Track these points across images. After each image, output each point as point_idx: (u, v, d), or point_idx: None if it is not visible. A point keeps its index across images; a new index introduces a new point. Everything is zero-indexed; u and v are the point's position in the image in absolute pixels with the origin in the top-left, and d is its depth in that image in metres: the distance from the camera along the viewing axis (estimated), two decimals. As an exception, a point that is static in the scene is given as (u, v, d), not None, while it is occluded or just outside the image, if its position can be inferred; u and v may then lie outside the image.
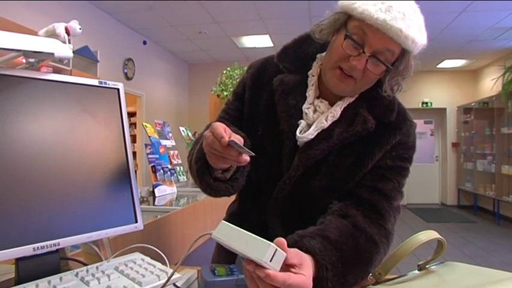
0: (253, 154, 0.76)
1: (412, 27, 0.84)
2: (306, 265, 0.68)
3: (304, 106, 0.95)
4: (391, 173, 0.94)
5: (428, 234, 0.71)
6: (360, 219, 0.87)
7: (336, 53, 0.89)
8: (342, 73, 0.88)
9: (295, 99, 0.96)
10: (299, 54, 1.01)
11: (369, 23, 0.82)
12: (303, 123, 0.95)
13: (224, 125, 0.77)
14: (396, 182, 0.94)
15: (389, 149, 0.94)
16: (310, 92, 0.96)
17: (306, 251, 0.74)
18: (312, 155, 0.92)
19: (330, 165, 0.94)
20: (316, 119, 0.94)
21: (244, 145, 0.77)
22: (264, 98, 1.02)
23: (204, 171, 0.92)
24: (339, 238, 0.81)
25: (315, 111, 0.95)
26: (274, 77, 1.01)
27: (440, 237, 0.72)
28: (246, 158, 0.77)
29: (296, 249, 0.70)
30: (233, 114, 1.07)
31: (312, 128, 0.93)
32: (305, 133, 0.93)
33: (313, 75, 0.98)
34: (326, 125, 0.93)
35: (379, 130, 0.93)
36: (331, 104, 0.96)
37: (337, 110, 0.94)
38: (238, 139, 0.76)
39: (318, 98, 0.97)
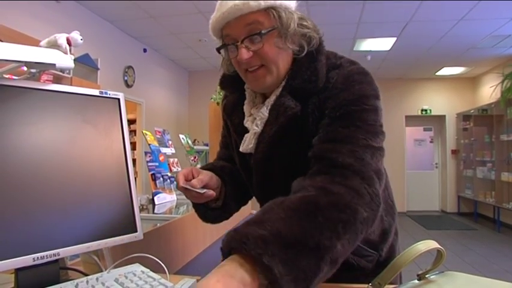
0: (205, 191, 0.95)
1: None
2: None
3: (244, 121, 1.01)
4: (331, 125, 0.84)
5: (428, 244, 0.71)
6: (319, 179, 0.76)
7: (235, 64, 0.95)
8: (251, 72, 0.92)
9: (237, 117, 1.04)
10: (234, 77, 1.03)
11: (220, 26, 0.91)
12: (247, 137, 0.99)
13: (190, 169, 0.97)
14: (340, 128, 0.82)
15: (319, 113, 0.88)
16: (246, 106, 1.02)
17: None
18: (257, 160, 0.98)
19: (277, 158, 0.96)
20: None
21: (211, 183, 1.00)
22: (226, 118, 1.12)
23: (200, 206, 1.08)
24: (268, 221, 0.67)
25: (254, 120, 0.98)
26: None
27: (439, 247, 0.72)
28: (208, 194, 0.96)
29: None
30: (224, 141, 1.22)
31: (248, 137, 0.98)
32: (246, 146, 0.99)
33: (248, 88, 1.03)
34: (258, 129, 0.96)
35: (307, 106, 0.90)
36: None
37: (263, 111, 0.96)
38: (200, 179, 0.96)
39: (255, 106, 1.01)
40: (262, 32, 0.86)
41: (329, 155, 0.79)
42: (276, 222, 0.65)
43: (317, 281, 0.64)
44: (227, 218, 1.13)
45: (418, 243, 0.71)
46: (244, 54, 0.88)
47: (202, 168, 1.10)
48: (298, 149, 0.90)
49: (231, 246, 0.64)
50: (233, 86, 1.07)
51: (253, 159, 1.00)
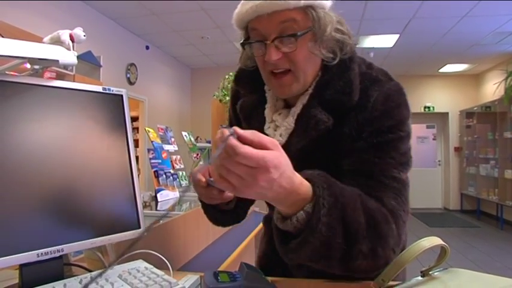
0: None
1: None
2: (279, 151, 0.61)
3: (265, 127, 0.92)
4: (368, 153, 0.81)
5: (432, 241, 0.71)
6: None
7: (259, 63, 0.87)
8: (276, 75, 0.84)
9: (257, 121, 0.94)
10: (252, 73, 0.95)
11: (248, 19, 0.81)
12: None
13: (207, 166, 0.82)
14: (377, 159, 0.80)
15: (356, 133, 0.83)
16: (267, 110, 0.94)
17: (304, 177, 0.69)
18: None
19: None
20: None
21: None
22: (242, 121, 1.02)
23: (210, 207, 0.97)
24: (343, 186, 0.74)
25: (276, 127, 0.91)
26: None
27: (443, 243, 0.72)
28: (228, 194, 0.83)
29: (273, 140, 0.63)
30: None
31: None
32: None
33: (269, 90, 0.95)
34: (282, 140, 0.88)
35: (340, 120, 0.84)
36: None
37: (289, 121, 0.88)
38: None
39: (278, 111, 0.93)
40: (298, 33, 0.78)
41: (366, 189, 0.78)
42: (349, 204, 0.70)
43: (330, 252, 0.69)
44: (239, 222, 1.06)
45: (422, 239, 0.71)
46: (274, 54, 0.79)
47: None
48: (325, 164, 0.82)
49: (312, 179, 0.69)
50: (251, 84, 0.97)
51: None
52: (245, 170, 0.57)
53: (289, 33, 0.78)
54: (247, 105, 0.98)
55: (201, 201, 0.97)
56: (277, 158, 0.59)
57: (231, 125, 1.09)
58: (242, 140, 0.57)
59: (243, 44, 0.87)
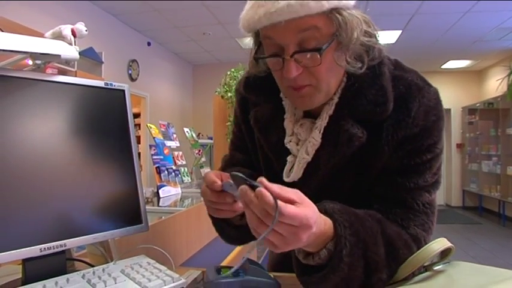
0: (258, 185, 0.59)
1: None
2: (308, 202, 0.60)
3: (285, 141, 0.82)
4: (403, 176, 0.76)
5: (442, 243, 0.71)
6: (384, 218, 0.75)
7: (275, 76, 0.77)
8: (294, 89, 0.74)
9: (275, 135, 0.84)
10: (263, 80, 0.84)
11: (260, 26, 0.68)
12: (290, 161, 0.82)
13: (219, 172, 0.74)
14: (412, 184, 0.75)
15: (394, 149, 0.75)
16: (287, 122, 0.83)
17: (324, 212, 0.67)
18: (306, 193, 0.80)
19: (329, 192, 0.77)
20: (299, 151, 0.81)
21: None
22: (255, 133, 0.91)
23: (222, 223, 0.88)
24: (363, 214, 0.71)
25: (298, 141, 0.81)
26: (252, 107, 0.90)
27: (451, 245, 0.72)
28: (240, 206, 0.71)
29: (295, 189, 0.60)
30: (239, 145, 1.00)
31: (295, 166, 0.80)
32: (291, 175, 0.81)
33: (286, 97, 0.85)
34: (309, 158, 0.79)
35: (374, 133, 0.76)
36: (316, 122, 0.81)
37: (315, 136, 0.78)
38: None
39: (298, 121, 0.82)
40: (323, 47, 0.67)
41: (394, 217, 0.76)
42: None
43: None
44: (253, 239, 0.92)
45: (432, 242, 0.72)
46: (294, 71, 0.68)
47: (223, 169, 0.92)
48: (355, 182, 0.80)
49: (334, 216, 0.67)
50: (264, 92, 0.87)
51: (301, 189, 0.80)
52: (288, 229, 0.57)
53: (311, 47, 0.67)
54: (262, 116, 0.86)
55: (211, 217, 0.88)
56: (315, 212, 0.60)
57: (241, 135, 0.98)
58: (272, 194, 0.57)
59: (256, 58, 0.76)
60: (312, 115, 0.82)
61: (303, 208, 0.58)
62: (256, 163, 0.96)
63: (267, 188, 0.57)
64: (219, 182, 0.70)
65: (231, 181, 0.66)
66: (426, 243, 0.75)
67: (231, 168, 0.93)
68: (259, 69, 0.81)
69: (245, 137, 0.97)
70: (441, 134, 0.77)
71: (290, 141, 0.82)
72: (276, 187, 0.58)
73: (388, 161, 0.76)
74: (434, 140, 0.76)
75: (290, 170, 0.82)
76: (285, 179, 0.82)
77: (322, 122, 0.78)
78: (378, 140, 0.75)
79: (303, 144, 0.80)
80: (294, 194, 0.59)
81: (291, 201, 0.57)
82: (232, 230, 0.88)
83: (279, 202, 0.56)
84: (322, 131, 0.78)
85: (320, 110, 0.79)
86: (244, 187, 0.59)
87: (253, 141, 0.94)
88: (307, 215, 0.57)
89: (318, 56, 0.67)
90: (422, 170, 0.76)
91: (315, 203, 0.74)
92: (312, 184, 0.80)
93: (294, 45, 0.68)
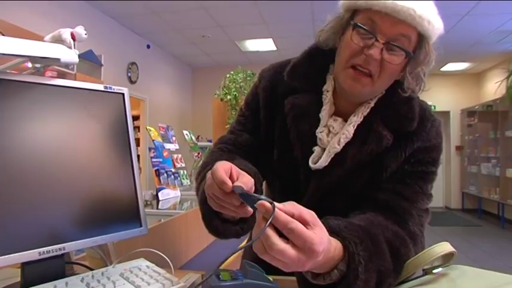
0: (258, 202, 0.58)
1: (426, 6, 0.77)
2: (321, 228, 0.59)
3: (318, 130, 0.88)
4: (411, 179, 0.87)
5: (444, 247, 0.72)
6: (381, 219, 0.80)
7: (346, 50, 0.81)
8: (356, 71, 0.80)
9: (308, 123, 0.90)
10: (310, 69, 0.92)
11: (376, 9, 0.76)
12: (317, 150, 0.88)
13: (230, 165, 0.69)
14: (417, 187, 0.86)
15: (408, 156, 0.87)
16: (324, 113, 0.89)
17: (330, 230, 0.66)
18: (326, 182, 0.88)
19: (345, 185, 0.89)
20: (330, 142, 0.87)
21: (255, 186, 0.69)
22: (278, 119, 0.95)
23: (211, 213, 0.82)
24: (365, 224, 0.74)
25: (328, 132, 0.88)
26: (286, 95, 0.93)
27: (454, 250, 0.73)
28: (248, 210, 0.69)
29: (311, 211, 0.59)
30: (250, 126, 1.00)
31: (325, 154, 0.87)
32: (318, 161, 0.87)
33: (327, 91, 0.90)
34: (339, 148, 0.86)
35: (395, 141, 0.86)
36: (346, 120, 0.88)
37: (349, 130, 0.86)
38: (246, 182, 0.66)
39: (331, 116, 0.90)
40: (412, 53, 0.80)
41: (406, 216, 0.84)
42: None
43: None
44: (239, 237, 0.88)
45: (434, 245, 0.72)
46: (378, 54, 0.77)
47: (227, 160, 0.81)
48: (369, 180, 0.88)
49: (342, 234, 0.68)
50: (306, 82, 0.92)
51: (317, 179, 0.89)
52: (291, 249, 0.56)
53: (403, 46, 0.78)
54: (301, 104, 0.91)
55: (201, 207, 0.85)
56: (323, 239, 0.58)
57: (253, 117, 1.00)
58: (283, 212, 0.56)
59: (354, 26, 0.80)
60: (340, 114, 0.90)
61: (313, 232, 0.56)
62: (266, 146, 0.98)
63: (279, 209, 0.56)
64: (230, 184, 0.65)
65: (242, 188, 0.65)
66: (422, 244, 0.82)
67: (248, 164, 0.87)
68: (328, 39, 0.88)
69: (259, 120, 0.99)
70: (441, 154, 0.90)
71: (322, 131, 0.88)
72: (291, 206, 0.58)
73: (401, 165, 0.87)
74: (437, 158, 0.89)
75: (314, 160, 0.88)
76: (311, 165, 0.88)
77: (357, 119, 0.87)
78: (397, 146, 0.86)
79: (334, 136, 0.87)
80: (309, 215, 0.58)
81: (303, 221, 0.57)
82: (218, 222, 0.84)
83: (285, 217, 0.55)
84: (355, 127, 0.87)
85: (351, 112, 0.88)
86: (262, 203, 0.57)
87: (270, 126, 0.97)
88: (313, 240, 0.55)
89: (403, 57, 0.79)
90: (427, 179, 0.88)
91: (330, 195, 0.88)
92: (334, 175, 0.87)
93: (387, 38, 0.77)
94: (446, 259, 0.74)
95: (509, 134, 6.67)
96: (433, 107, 8.74)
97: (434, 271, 0.74)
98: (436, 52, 0.83)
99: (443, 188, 9.25)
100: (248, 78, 4.95)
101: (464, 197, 8.69)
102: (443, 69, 8.24)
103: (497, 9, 4.95)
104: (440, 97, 8.78)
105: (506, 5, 4.75)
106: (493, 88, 7.33)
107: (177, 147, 2.82)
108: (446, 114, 8.93)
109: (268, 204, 0.57)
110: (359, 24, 0.78)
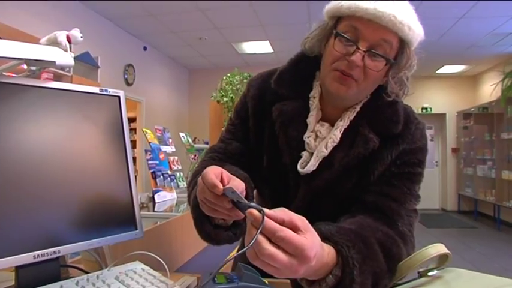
0: (247, 211, 0.59)
1: (406, 13, 0.80)
2: (311, 233, 0.59)
3: (305, 136, 0.91)
4: (398, 180, 0.88)
5: (438, 248, 0.72)
6: (370, 220, 0.81)
7: (330, 56, 0.84)
8: (341, 74, 0.82)
9: (295, 129, 0.92)
10: (297, 76, 0.95)
11: (358, 15, 0.78)
12: (305, 155, 0.91)
13: (220, 169, 0.70)
14: (405, 188, 0.88)
15: (394, 158, 0.89)
16: (311, 119, 0.91)
17: (321, 236, 0.66)
18: (315, 186, 0.90)
19: (334, 188, 0.91)
20: (317, 146, 0.90)
21: (246, 190, 0.72)
22: (266, 126, 0.97)
23: (203, 219, 0.83)
24: (356, 227, 0.75)
25: (316, 137, 0.91)
26: (274, 102, 0.95)
27: (448, 251, 0.73)
28: (241, 214, 0.66)
29: (301, 217, 0.60)
30: (239, 134, 1.02)
31: (313, 159, 0.89)
32: (306, 166, 0.89)
33: (314, 97, 0.93)
34: (326, 152, 0.88)
35: (381, 144, 0.88)
36: (333, 125, 0.91)
37: (336, 134, 0.89)
38: (236, 186, 0.68)
39: (318, 121, 0.92)
40: (392, 60, 0.82)
41: (395, 216, 0.85)
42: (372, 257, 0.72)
43: None
44: (231, 243, 0.89)
45: (428, 246, 0.72)
46: (359, 61, 0.79)
47: (218, 165, 0.81)
48: (357, 183, 0.90)
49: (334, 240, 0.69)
50: (293, 89, 0.94)
51: (306, 183, 0.91)
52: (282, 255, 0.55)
53: (383, 54, 0.80)
54: (288, 111, 0.93)
55: (193, 212, 0.86)
56: (315, 244, 0.58)
57: (242, 126, 1.01)
58: (273, 220, 0.56)
59: (336, 35, 0.82)
60: (326, 120, 0.92)
61: (303, 237, 0.56)
62: (256, 153, 0.99)
63: (269, 216, 0.56)
64: (220, 187, 0.66)
65: (233, 190, 0.66)
66: (412, 244, 0.83)
67: (239, 170, 0.89)
68: (313, 46, 0.91)
69: (249, 128, 1.01)
70: (426, 159, 0.93)
71: (309, 136, 0.90)
72: (281, 212, 0.58)
73: (387, 167, 0.89)
74: (423, 159, 0.91)
75: (302, 165, 0.90)
76: (300, 169, 0.90)
77: (344, 123, 0.89)
78: (383, 149, 0.88)
79: (321, 141, 0.90)
80: (300, 221, 0.58)
81: (293, 225, 0.57)
82: (210, 227, 0.84)
83: (274, 224, 0.55)
84: (342, 132, 0.89)
85: (337, 117, 0.91)
86: (251, 211, 0.58)
87: (260, 133, 0.99)
88: (304, 245, 0.55)
89: (384, 64, 0.81)
90: (414, 180, 0.90)
91: (319, 199, 0.90)
92: (322, 178, 0.89)
93: (369, 44, 0.80)
94: (442, 261, 0.75)
95: (504, 136, 6.70)
96: (429, 109, 8.80)
97: (429, 274, 0.74)
98: (417, 57, 0.86)
99: (440, 190, 9.29)
100: (245, 81, 4.95)
101: (460, 199, 8.73)
102: (439, 71, 8.28)
103: (492, 12, 4.98)
104: (436, 99, 8.82)
105: (501, 7, 4.79)
106: (488, 90, 7.38)
107: (174, 150, 2.81)
108: (442, 116, 8.97)
109: (257, 213, 0.57)
110: (340, 33, 0.81)
